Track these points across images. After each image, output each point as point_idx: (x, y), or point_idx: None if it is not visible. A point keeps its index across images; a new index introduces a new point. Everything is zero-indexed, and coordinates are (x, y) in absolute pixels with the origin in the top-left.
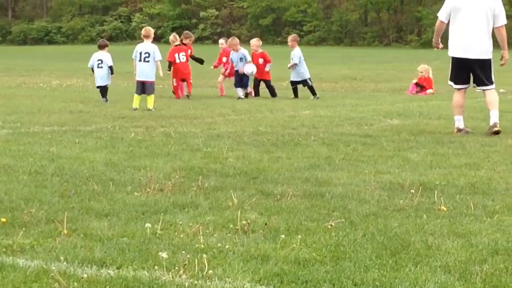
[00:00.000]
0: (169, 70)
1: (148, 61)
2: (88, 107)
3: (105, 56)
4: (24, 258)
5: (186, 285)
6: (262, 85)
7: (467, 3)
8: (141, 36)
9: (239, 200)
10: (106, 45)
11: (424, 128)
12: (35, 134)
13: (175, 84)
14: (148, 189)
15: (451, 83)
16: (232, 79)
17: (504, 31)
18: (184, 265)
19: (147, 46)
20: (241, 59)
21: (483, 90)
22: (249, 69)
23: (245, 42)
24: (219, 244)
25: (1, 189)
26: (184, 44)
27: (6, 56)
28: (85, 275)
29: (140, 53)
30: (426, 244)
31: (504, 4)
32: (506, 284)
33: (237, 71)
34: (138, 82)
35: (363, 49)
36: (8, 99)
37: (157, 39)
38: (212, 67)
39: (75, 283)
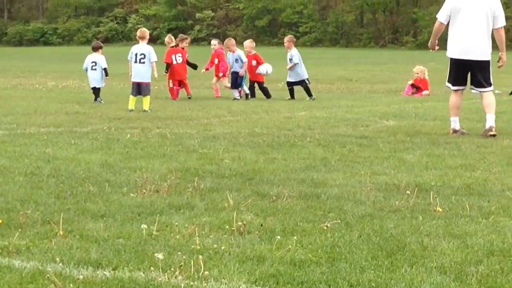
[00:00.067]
0: (167, 72)
1: (143, 62)
2: (84, 108)
3: (99, 58)
4: (20, 259)
5: (182, 286)
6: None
7: (468, 4)
8: (137, 37)
9: (235, 201)
10: (100, 47)
11: (419, 129)
12: (31, 135)
13: (171, 85)
14: (144, 190)
15: (449, 85)
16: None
17: (503, 33)
18: (180, 266)
19: (142, 47)
20: (236, 60)
21: (481, 92)
22: (264, 69)
23: (240, 43)
24: (215, 245)
25: None
26: (182, 48)
27: (2, 58)
28: (81, 276)
29: (136, 54)
30: (422, 245)
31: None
32: (502, 285)
33: (233, 72)
34: (133, 83)
35: (359, 50)
36: (4, 100)
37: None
38: (204, 70)
39: (71, 284)
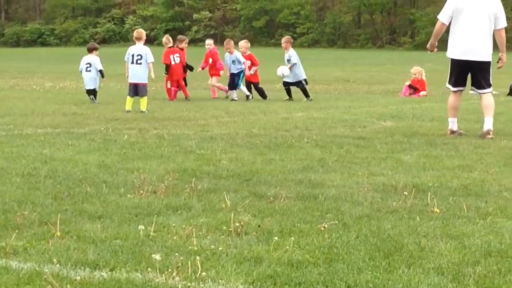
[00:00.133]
0: (167, 73)
1: (140, 63)
2: (81, 109)
3: (93, 59)
4: (17, 260)
5: (179, 287)
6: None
7: (470, 5)
8: (133, 38)
9: (232, 202)
10: (95, 48)
11: (417, 130)
12: (28, 136)
13: (169, 86)
14: (141, 191)
15: (449, 86)
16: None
17: (504, 34)
18: (177, 267)
19: (139, 48)
20: (233, 61)
21: (480, 93)
22: (280, 72)
23: (238, 44)
24: (212, 246)
25: None
26: (181, 49)
27: None
28: (78, 277)
29: (133, 55)
30: (419, 246)
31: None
32: (499, 286)
33: (231, 73)
34: (130, 84)
35: (356, 51)
36: (1, 101)
37: (150, 41)
38: (200, 69)
39: (68, 285)
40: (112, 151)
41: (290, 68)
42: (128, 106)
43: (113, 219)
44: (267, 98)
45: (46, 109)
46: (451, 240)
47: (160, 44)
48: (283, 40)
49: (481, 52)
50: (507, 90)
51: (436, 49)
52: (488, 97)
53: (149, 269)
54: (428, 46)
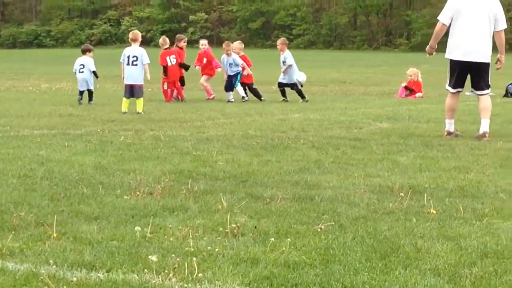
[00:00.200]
0: (165, 75)
1: (136, 65)
2: (78, 110)
3: (87, 60)
4: (13, 261)
5: None
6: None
7: (470, 6)
8: (129, 39)
9: (228, 204)
10: (88, 50)
11: (413, 131)
12: (25, 137)
13: (165, 88)
14: (138, 193)
15: (449, 88)
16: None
17: (503, 36)
18: (174, 268)
19: (135, 49)
20: (230, 64)
21: (478, 95)
22: (302, 77)
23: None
24: (208, 248)
25: None
26: (180, 48)
27: None
28: (75, 279)
29: (128, 57)
30: (416, 247)
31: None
32: (495, 287)
33: (228, 75)
34: (126, 85)
35: (352, 52)
36: None
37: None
38: (196, 67)
39: (65, 287)
40: (109, 152)
41: (286, 70)
42: (124, 108)
43: (110, 220)
44: (262, 98)
45: (42, 111)
46: (447, 241)
47: (156, 45)
48: (279, 42)
49: (480, 53)
50: (504, 92)
51: (435, 53)
52: (486, 98)
53: (145, 270)
54: (427, 48)
